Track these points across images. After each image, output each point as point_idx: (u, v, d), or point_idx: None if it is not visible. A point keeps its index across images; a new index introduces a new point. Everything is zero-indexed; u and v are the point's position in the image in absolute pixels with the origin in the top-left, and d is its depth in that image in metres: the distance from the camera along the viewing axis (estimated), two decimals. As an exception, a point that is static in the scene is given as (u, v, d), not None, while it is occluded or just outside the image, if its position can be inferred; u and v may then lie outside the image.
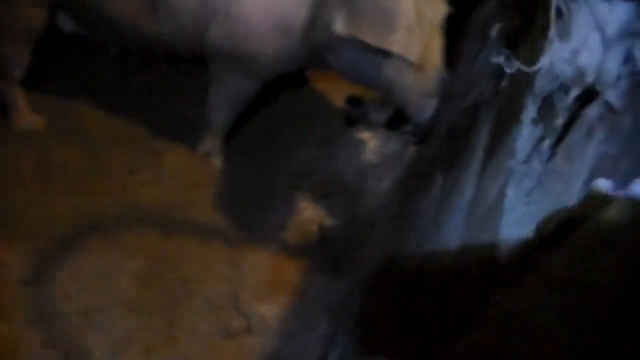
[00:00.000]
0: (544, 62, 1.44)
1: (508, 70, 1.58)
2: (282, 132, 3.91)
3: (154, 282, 3.41)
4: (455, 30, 3.24)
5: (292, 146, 3.82)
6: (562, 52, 1.41)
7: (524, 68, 1.53)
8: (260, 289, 3.44)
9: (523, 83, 1.85)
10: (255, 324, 3.35)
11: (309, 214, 3.66)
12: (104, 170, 3.67)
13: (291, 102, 3.99)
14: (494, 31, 2.63)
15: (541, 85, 1.52)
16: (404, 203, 3.21)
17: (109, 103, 3.82)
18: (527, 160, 1.75)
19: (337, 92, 4.02)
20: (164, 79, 3.91)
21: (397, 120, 3.77)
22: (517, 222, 1.75)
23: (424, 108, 3.20)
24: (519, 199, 1.78)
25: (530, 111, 1.72)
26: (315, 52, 3.22)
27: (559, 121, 1.44)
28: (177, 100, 3.86)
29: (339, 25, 2.93)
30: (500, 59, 1.60)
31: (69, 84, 3.88)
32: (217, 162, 3.76)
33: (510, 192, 1.80)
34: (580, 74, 1.35)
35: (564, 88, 1.42)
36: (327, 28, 3.06)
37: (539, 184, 1.70)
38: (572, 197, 1.40)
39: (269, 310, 3.38)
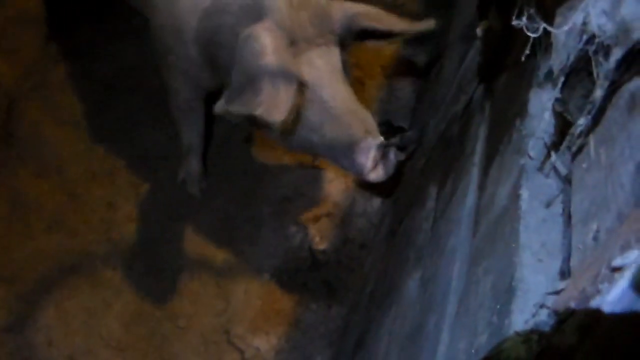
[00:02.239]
0: (576, 18, 1.09)
1: (531, 35, 1.23)
2: (263, 157, 3.55)
3: (144, 321, 3.12)
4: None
5: (276, 171, 3.48)
6: (599, 3, 1.06)
7: (551, 29, 1.18)
8: (254, 320, 3.13)
9: (529, 65, 1.51)
10: (250, 358, 3.06)
11: (299, 240, 3.32)
12: (83, 206, 3.31)
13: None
14: (479, 30, 2.33)
15: (568, 51, 1.17)
16: (397, 220, 2.89)
17: (85, 135, 3.47)
18: (546, 154, 1.40)
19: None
20: (143, 109, 3.56)
21: (383, 136, 3.48)
22: (537, 228, 1.40)
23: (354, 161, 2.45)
24: (536, 201, 1.43)
25: (547, 93, 1.38)
26: None
27: (598, 93, 1.09)
28: (156, 131, 3.51)
29: (217, 109, 2.43)
30: (521, 22, 1.24)
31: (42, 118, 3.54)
32: (193, 190, 3.39)
33: (526, 194, 1.46)
34: (625, 29, 1.00)
35: (604, 50, 1.07)
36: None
37: (564, 180, 1.35)
38: (619, 186, 1.04)
39: (264, 343, 3.08)
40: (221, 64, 2.61)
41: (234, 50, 2.45)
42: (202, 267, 3.22)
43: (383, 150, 2.40)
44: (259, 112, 2.23)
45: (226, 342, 3.08)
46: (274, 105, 2.25)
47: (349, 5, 2.54)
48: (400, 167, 2.53)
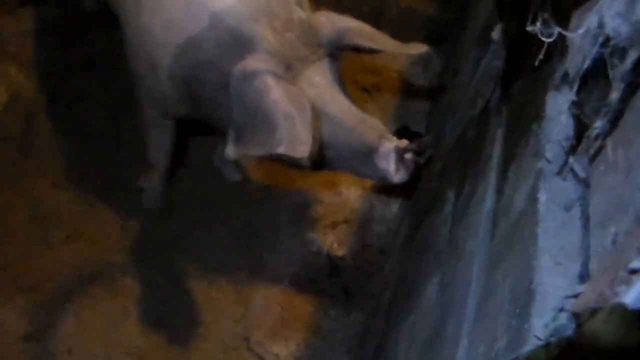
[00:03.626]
0: (590, 21, 1.10)
1: (546, 40, 1.23)
2: (281, 164, 3.56)
3: (163, 329, 3.12)
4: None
5: (293, 177, 3.49)
6: (614, 5, 1.06)
7: (566, 33, 1.18)
8: (273, 327, 3.13)
9: (546, 68, 1.52)
10: (270, 364, 3.06)
11: (317, 246, 3.33)
12: (102, 215, 3.32)
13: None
14: (496, 33, 2.33)
15: (584, 54, 1.18)
16: (415, 225, 2.88)
17: (102, 145, 3.48)
18: (563, 158, 1.40)
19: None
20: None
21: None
22: (556, 232, 1.40)
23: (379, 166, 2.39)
24: (554, 204, 1.43)
25: (564, 96, 1.38)
26: None
27: (614, 96, 1.09)
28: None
29: (230, 152, 2.36)
30: (535, 27, 1.24)
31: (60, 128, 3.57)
32: (147, 204, 3.33)
33: (544, 197, 1.46)
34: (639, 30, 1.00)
35: (619, 52, 1.07)
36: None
37: (582, 182, 1.35)
38: (637, 188, 1.04)
39: (284, 349, 3.09)
40: (204, 100, 2.50)
41: (219, 87, 2.36)
42: (221, 274, 3.22)
43: (401, 151, 2.35)
44: (281, 150, 2.14)
45: (246, 348, 3.09)
46: (295, 139, 2.15)
47: (339, 19, 2.45)
48: (418, 170, 2.49)
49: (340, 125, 2.34)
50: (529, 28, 1.26)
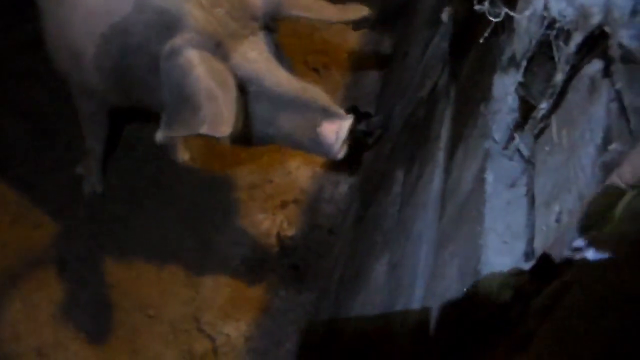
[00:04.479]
0: (537, 3, 1.11)
1: (493, 20, 1.24)
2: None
3: (112, 312, 3.08)
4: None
5: (243, 158, 3.47)
6: (558, -12, 1.08)
7: (513, 14, 1.20)
8: (223, 308, 3.12)
9: (493, 50, 1.53)
10: (221, 345, 3.05)
11: (267, 226, 3.32)
12: (47, 199, 3.25)
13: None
14: (445, 15, 2.35)
15: (530, 36, 1.19)
16: (365, 205, 2.90)
17: (46, 128, 3.42)
18: (508, 138, 1.42)
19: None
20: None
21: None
22: (502, 211, 1.42)
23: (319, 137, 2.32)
24: (501, 184, 1.46)
25: (510, 77, 1.40)
26: None
27: (559, 77, 1.11)
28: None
29: (159, 137, 2.23)
30: (483, 7, 1.25)
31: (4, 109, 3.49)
32: (86, 189, 3.30)
33: (491, 177, 1.48)
34: (584, 14, 1.02)
35: (564, 34, 1.08)
36: None
37: (527, 162, 1.37)
38: (580, 168, 1.06)
39: (234, 330, 3.08)
40: (136, 86, 2.42)
41: (150, 71, 2.27)
42: (169, 256, 3.20)
43: (344, 127, 2.26)
44: (203, 130, 2.08)
45: (196, 329, 3.07)
46: (217, 119, 2.08)
47: None
48: (364, 148, 2.45)
49: (280, 100, 2.27)
50: (477, 7, 1.28)
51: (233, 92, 2.12)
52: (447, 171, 1.90)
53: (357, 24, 2.66)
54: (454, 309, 1.43)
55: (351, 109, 3.52)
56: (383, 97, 3.50)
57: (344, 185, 3.46)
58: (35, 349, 2.98)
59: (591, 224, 0.92)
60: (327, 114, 2.24)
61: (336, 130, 2.23)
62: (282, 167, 3.48)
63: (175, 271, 3.18)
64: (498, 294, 1.23)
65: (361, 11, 2.44)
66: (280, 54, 2.43)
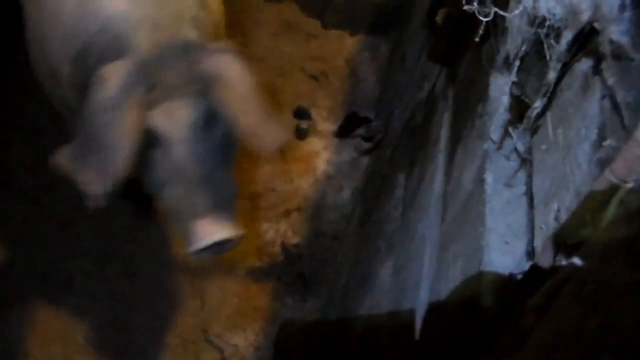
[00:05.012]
0: (526, 1, 1.12)
1: (483, 19, 1.25)
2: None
3: (121, 325, 3.09)
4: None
5: (245, 168, 3.48)
6: (546, -13, 1.09)
7: (502, 13, 1.20)
8: (231, 318, 3.13)
9: (489, 51, 1.54)
10: (230, 355, 3.06)
11: (271, 235, 3.33)
12: (50, 214, 3.25)
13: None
14: (440, 17, 2.35)
15: (522, 35, 1.20)
16: (368, 210, 2.90)
17: (46, 144, 3.42)
18: (504, 137, 1.43)
19: (282, 106, 3.66)
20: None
21: (349, 127, 3.49)
22: (502, 210, 1.43)
23: None
24: (500, 184, 1.46)
25: (505, 77, 1.41)
26: None
27: (552, 75, 1.11)
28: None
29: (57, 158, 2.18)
30: (472, 7, 1.25)
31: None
32: (90, 203, 3.19)
33: (490, 177, 1.48)
34: (573, 11, 1.02)
35: (554, 32, 1.09)
36: None
37: (524, 161, 1.38)
38: (576, 165, 1.07)
39: (243, 340, 3.09)
40: None
41: None
42: (175, 267, 3.20)
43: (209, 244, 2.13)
44: (79, 180, 2.00)
45: (204, 341, 3.08)
46: (95, 178, 1.99)
47: (227, 61, 2.15)
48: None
49: (177, 174, 2.12)
50: (466, 7, 1.28)
51: (126, 155, 2.00)
52: (448, 173, 1.90)
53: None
54: (449, 311, 1.44)
55: (351, 115, 3.54)
56: (382, 102, 3.51)
57: (346, 191, 3.46)
58: (43, 365, 3.00)
59: (580, 227, 0.93)
60: (211, 214, 2.12)
61: (207, 233, 2.11)
62: (284, 176, 3.48)
63: (181, 282, 3.18)
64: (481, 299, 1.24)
65: (281, 138, 2.33)
66: (214, 133, 2.18)
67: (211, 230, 2.11)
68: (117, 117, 1.99)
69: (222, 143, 2.18)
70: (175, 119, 2.08)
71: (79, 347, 3.03)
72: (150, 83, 2.04)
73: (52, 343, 3.02)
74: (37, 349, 3.00)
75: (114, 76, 2.02)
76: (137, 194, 2.48)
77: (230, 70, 2.13)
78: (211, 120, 2.13)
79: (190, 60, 2.08)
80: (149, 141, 2.08)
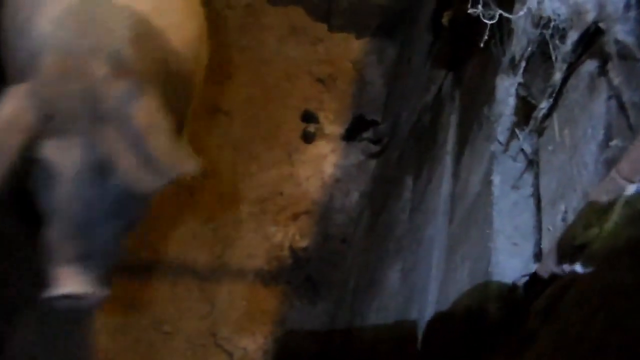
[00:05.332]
0: (530, 3, 1.11)
1: (487, 22, 1.24)
2: (240, 158, 3.55)
3: (129, 330, 3.10)
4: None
5: (253, 171, 3.48)
6: (551, -12, 1.08)
7: (507, 15, 1.20)
8: (239, 321, 3.12)
9: (495, 52, 1.54)
10: (239, 359, 3.06)
11: (280, 238, 3.33)
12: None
13: (245, 127, 3.65)
14: (445, 19, 2.35)
15: (528, 36, 1.19)
16: (376, 213, 2.90)
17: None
18: (511, 139, 1.42)
19: (290, 111, 3.67)
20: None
21: (356, 130, 3.49)
22: (509, 212, 1.42)
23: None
24: (507, 186, 1.46)
25: (511, 79, 1.40)
26: None
27: (557, 76, 1.11)
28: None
29: None
30: (477, 10, 1.25)
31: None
32: None
33: (497, 179, 1.48)
34: (578, 11, 1.02)
35: (560, 33, 1.09)
36: None
37: (531, 162, 1.38)
38: (583, 166, 1.06)
39: (252, 343, 3.09)
40: None
41: None
42: (185, 271, 3.21)
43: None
44: None
45: (213, 344, 3.08)
46: None
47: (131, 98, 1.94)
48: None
49: (55, 213, 1.96)
50: (471, 10, 1.28)
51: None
52: (455, 175, 1.90)
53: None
54: (456, 314, 1.43)
55: (358, 118, 3.54)
56: (389, 105, 3.51)
57: (354, 194, 3.46)
58: (54, 371, 3.00)
59: (586, 228, 0.93)
60: (75, 265, 1.95)
61: (62, 283, 1.94)
62: (292, 179, 3.48)
63: (190, 286, 3.19)
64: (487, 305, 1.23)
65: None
66: (108, 182, 1.98)
67: (66, 282, 1.94)
68: (4, 137, 1.86)
69: (116, 197, 1.98)
70: (66, 156, 1.92)
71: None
72: (47, 111, 1.89)
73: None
74: (47, 353, 3.01)
75: (11, 97, 1.88)
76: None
77: (134, 111, 1.92)
78: (107, 168, 1.93)
79: (90, 95, 1.90)
80: (42, 168, 1.94)
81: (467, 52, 2.14)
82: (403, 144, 2.76)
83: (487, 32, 1.30)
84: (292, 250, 3.29)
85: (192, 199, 3.40)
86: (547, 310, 0.98)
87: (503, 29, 1.47)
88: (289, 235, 3.33)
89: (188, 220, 3.34)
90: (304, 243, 3.32)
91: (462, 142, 1.90)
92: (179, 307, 3.14)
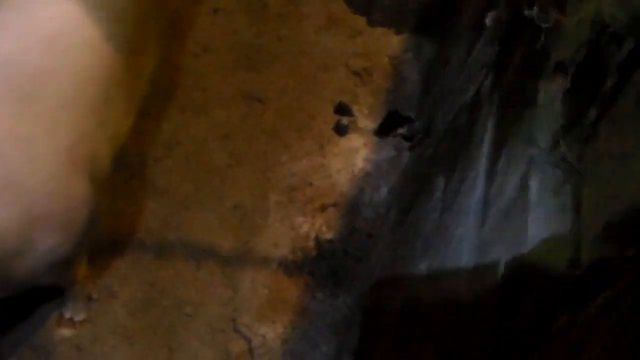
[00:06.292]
0: (587, 8, 1.08)
1: (543, 25, 1.21)
2: (272, 147, 3.54)
3: (150, 309, 3.09)
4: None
5: (284, 160, 3.47)
6: (610, -8, 1.05)
7: (563, 19, 1.17)
8: (260, 309, 3.11)
9: (540, 55, 1.51)
10: (257, 346, 3.04)
11: (306, 229, 3.31)
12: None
13: (279, 116, 3.64)
14: (489, 19, 2.32)
15: (579, 41, 1.16)
16: (404, 210, 2.88)
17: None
18: (554, 145, 1.39)
19: (324, 102, 3.65)
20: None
21: (390, 125, 3.46)
22: (546, 218, 1.39)
23: None
24: (545, 191, 1.43)
25: (558, 83, 1.37)
26: None
27: (609, 83, 1.08)
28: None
29: None
30: (532, 12, 1.22)
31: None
32: None
33: (535, 184, 1.45)
34: (637, 18, 0.99)
35: (616, 40, 1.06)
36: None
37: (571, 169, 1.34)
38: (630, 176, 1.03)
39: (271, 331, 3.07)
40: None
41: None
42: (209, 255, 3.21)
43: None
44: None
45: (233, 330, 3.07)
46: None
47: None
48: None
49: None
50: (527, 12, 1.25)
51: None
52: (490, 177, 1.87)
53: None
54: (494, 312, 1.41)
55: (392, 113, 3.52)
56: (424, 102, 3.48)
57: (383, 189, 3.44)
58: (75, 345, 3.01)
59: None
60: None
61: None
62: (322, 170, 3.46)
63: (213, 271, 3.18)
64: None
65: None
66: None
67: None
68: None
69: None
70: None
71: (109, 328, 3.03)
72: None
73: (81, 324, 3.03)
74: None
75: None
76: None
77: None
78: None
79: None
80: None
81: (509, 53, 2.11)
82: (437, 142, 2.74)
83: (539, 36, 1.27)
84: (318, 241, 3.28)
85: (222, 185, 3.39)
86: (595, 321, 0.96)
87: (552, 31, 1.44)
88: (316, 227, 3.32)
89: (216, 206, 3.34)
90: (329, 235, 3.31)
91: (499, 144, 1.87)
92: (201, 290, 3.14)
